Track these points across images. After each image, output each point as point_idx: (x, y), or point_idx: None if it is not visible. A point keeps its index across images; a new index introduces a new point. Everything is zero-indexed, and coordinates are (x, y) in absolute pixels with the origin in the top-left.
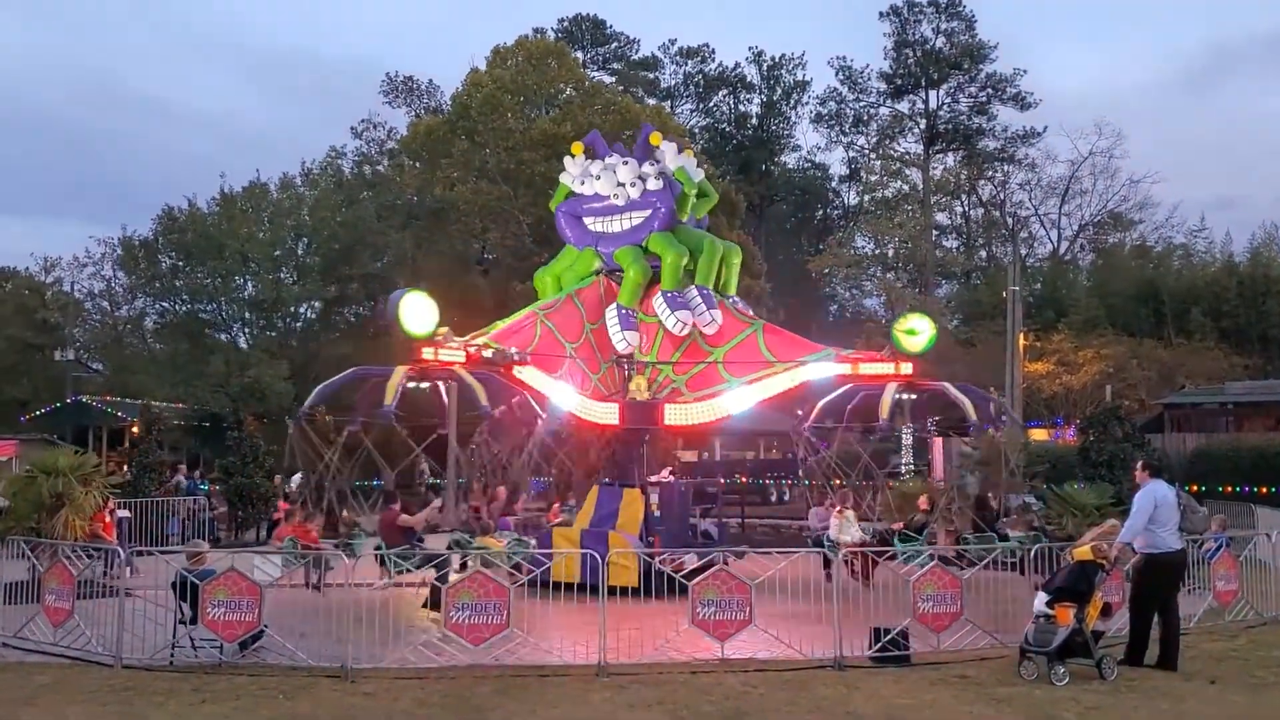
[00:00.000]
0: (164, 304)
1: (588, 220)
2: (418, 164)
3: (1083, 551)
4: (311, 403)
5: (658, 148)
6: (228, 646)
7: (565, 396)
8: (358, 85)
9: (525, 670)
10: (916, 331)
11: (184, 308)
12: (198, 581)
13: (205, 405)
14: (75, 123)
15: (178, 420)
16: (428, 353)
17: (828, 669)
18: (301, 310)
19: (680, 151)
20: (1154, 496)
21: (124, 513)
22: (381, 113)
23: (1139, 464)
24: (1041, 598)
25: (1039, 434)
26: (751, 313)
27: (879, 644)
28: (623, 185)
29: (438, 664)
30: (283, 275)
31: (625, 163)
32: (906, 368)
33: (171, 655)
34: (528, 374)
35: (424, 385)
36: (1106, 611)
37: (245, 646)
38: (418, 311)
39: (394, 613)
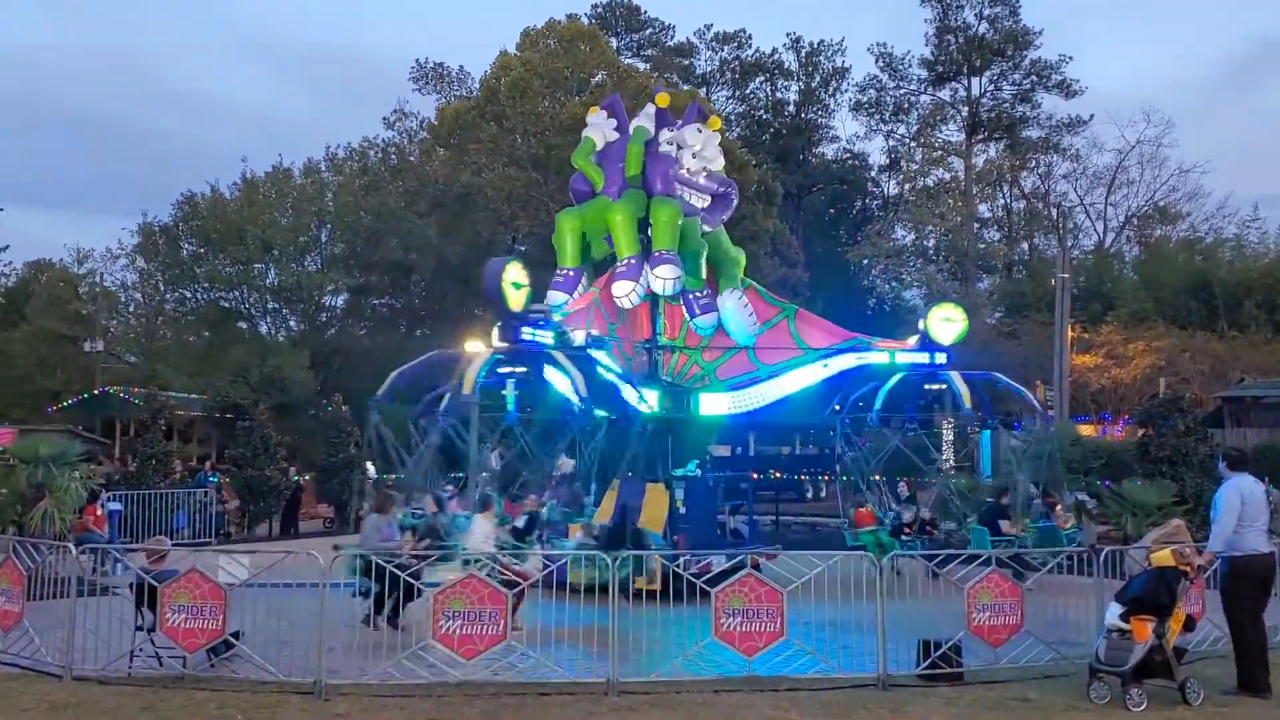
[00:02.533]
0: (185, 292)
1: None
2: (445, 150)
3: (1162, 557)
4: (387, 389)
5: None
6: (193, 656)
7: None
8: (392, 79)
9: (524, 688)
10: (951, 320)
11: (204, 296)
12: (155, 584)
13: (225, 396)
14: (112, 117)
15: (198, 411)
16: (527, 333)
17: (870, 688)
18: (327, 300)
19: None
20: (1240, 492)
21: (115, 505)
22: (412, 100)
23: (1221, 456)
24: (1114, 609)
25: (1085, 429)
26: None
27: (928, 660)
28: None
29: (425, 680)
30: (307, 263)
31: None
32: (941, 357)
33: (130, 666)
34: (604, 358)
35: (519, 370)
36: (1189, 625)
37: (217, 654)
38: (518, 285)
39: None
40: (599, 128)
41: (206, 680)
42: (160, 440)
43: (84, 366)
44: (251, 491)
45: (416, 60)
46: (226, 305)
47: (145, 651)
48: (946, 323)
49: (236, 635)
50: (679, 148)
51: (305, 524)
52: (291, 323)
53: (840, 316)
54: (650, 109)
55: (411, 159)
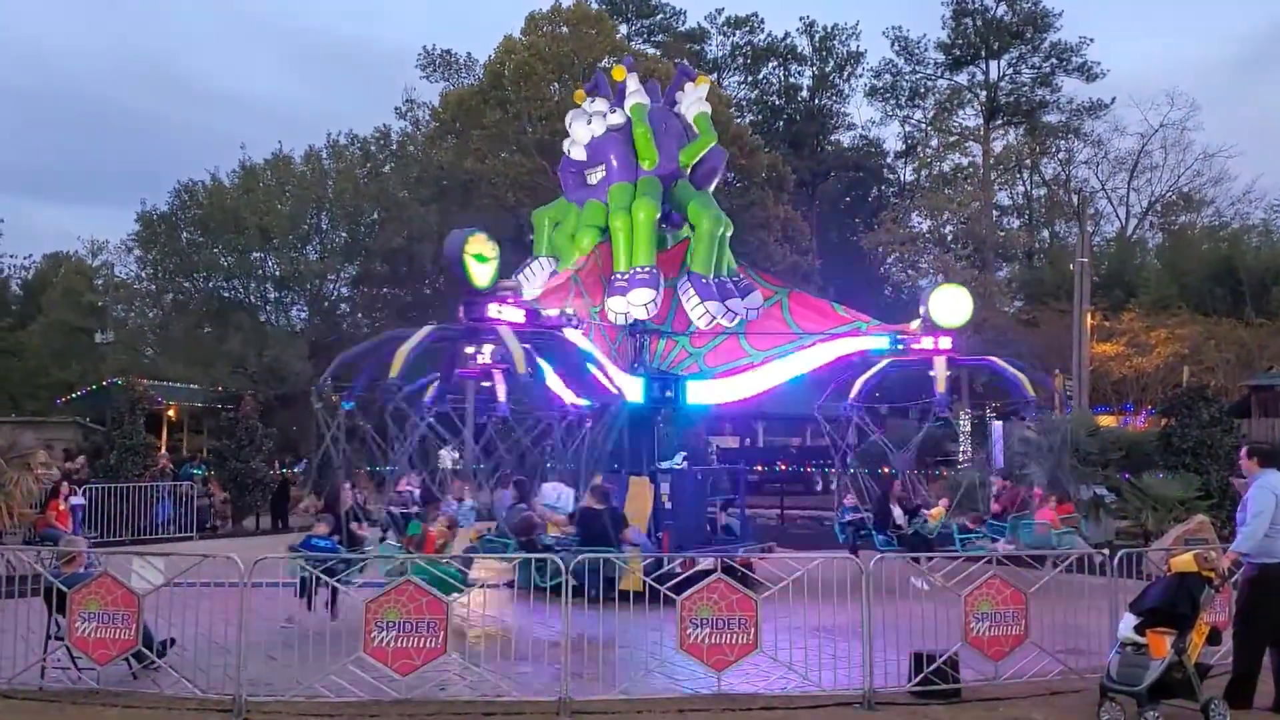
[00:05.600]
0: (185, 282)
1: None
2: (454, 137)
3: (1183, 561)
4: (332, 371)
5: (621, 82)
6: (107, 669)
7: (611, 371)
8: (405, 68)
9: (467, 707)
10: (956, 303)
11: (203, 285)
12: (65, 588)
13: (224, 386)
14: (130, 109)
15: (200, 403)
16: (493, 310)
17: (854, 707)
18: (330, 289)
19: (688, 82)
20: (1273, 492)
21: (78, 499)
22: (420, 89)
23: (1244, 451)
24: (1129, 620)
25: (1106, 419)
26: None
27: (921, 674)
28: (589, 124)
29: (357, 698)
30: (308, 251)
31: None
32: (945, 342)
33: (42, 678)
34: (578, 338)
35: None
36: (1214, 637)
37: (140, 660)
38: (482, 259)
39: (314, 629)
40: (583, 117)
41: (121, 695)
42: (141, 432)
43: (98, 358)
44: (237, 484)
45: (424, 47)
46: (227, 295)
47: (63, 661)
48: (950, 306)
49: (169, 644)
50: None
51: (297, 517)
52: (294, 312)
53: (854, 304)
54: (642, 85)
55: (413, 148)
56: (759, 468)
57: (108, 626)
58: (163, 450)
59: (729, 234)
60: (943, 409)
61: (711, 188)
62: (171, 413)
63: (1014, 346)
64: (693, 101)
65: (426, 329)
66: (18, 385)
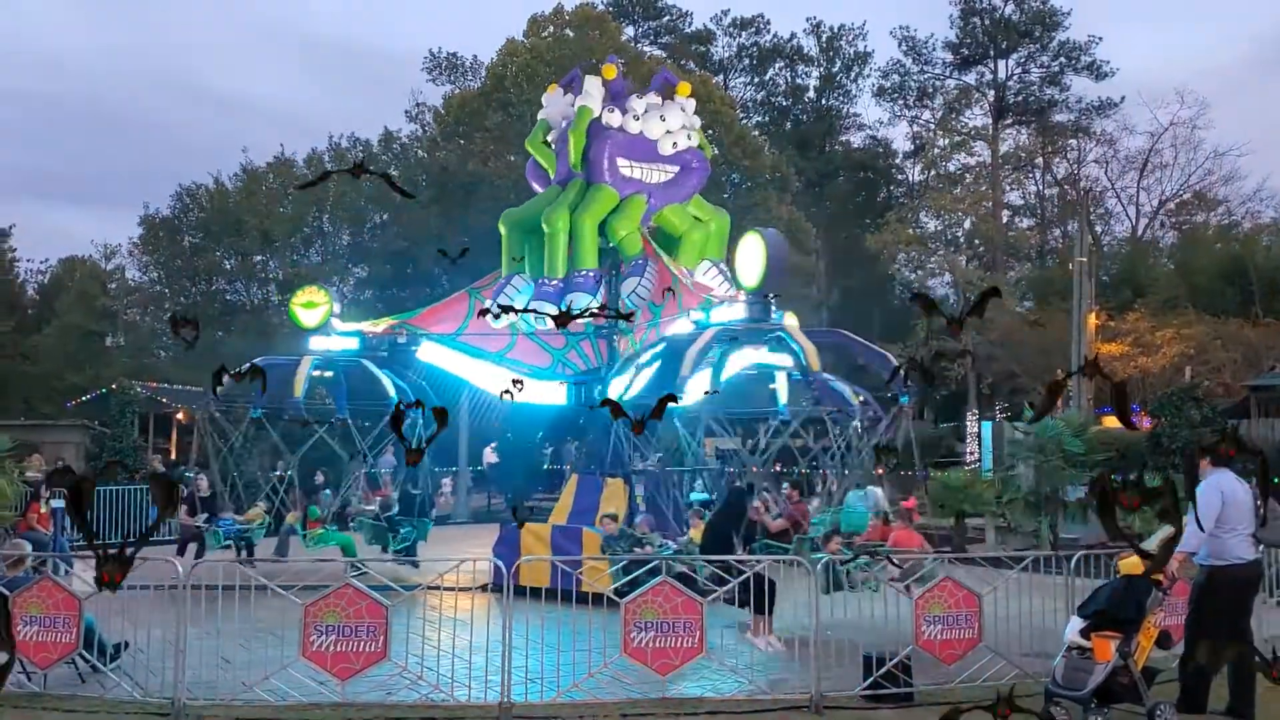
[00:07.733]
0: (192, 286)
1: (622, 163)
2: (461, 139)
3: (1131, 564)
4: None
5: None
6: (51, 672)
7: (485, 376)
8: (414, 72)
9: (409, 711)
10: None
11: (205, 288)
12: (7, 592)
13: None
14: (144, 115)
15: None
16: (318, 343)
17: (802, 711)
18: (332, 291)
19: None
20: (1220, 491)
21: (58, 502)
22: (426, 92)
23: (1199, 450)
24: (1075, 624)
25: (1113, 421)
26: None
27: (871, 678)
28: (670, 133)
29: (298, 702)
30: (311, 254)
31: (680, 106)
32: (738, 310)
33: None
34: (430, 353)
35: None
36: (1164, 642)
37: (85, 661)
38: (311, 305)
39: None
40: (556, 106)
41: (64, 699)
42: (132, 435)
43: (108, 362)
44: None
45: (429, 50)
46: (230, 298)
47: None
48: (747, 261)
49: (121, 646)
50: (623, 115)
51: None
52: None
53: (862, 305)
54: (595, 84)
55: (421, 151)
56: (754, 469)
57: (49, 630)
58: (172, 454)
59: (592, 226)
60: (811, 384)
61: (605, 179)
62: (181, 416)
63: (1022, 347)
64: (583, 94)
65: (308, 358)
66: (32, 388)
